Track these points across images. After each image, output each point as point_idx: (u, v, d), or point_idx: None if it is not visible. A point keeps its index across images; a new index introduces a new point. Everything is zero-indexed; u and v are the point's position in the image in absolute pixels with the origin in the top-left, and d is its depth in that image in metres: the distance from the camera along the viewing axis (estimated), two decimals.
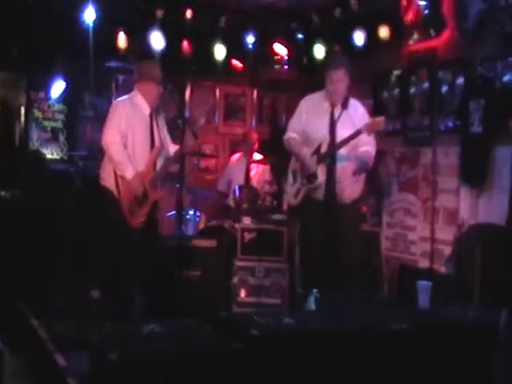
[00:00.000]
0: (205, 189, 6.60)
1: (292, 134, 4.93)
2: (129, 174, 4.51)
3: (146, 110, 4.71)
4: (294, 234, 5.85)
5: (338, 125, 4.58)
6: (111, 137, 4.53)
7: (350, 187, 4.74)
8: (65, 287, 5.40)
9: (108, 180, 4.59)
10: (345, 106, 4.63)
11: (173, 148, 4.82)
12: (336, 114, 4.64)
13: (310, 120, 4.85)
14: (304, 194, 4.84)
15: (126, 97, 4.78)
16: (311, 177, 4.72)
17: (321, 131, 4.68)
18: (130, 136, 4.59)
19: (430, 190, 5.74)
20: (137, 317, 4.67)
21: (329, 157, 4.60)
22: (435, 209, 5.65)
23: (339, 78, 4.71)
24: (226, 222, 6.00)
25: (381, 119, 4.47)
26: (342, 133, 4.57)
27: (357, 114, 4.70)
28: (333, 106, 4.73)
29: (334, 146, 4.55)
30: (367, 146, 4.64)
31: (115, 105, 4.73)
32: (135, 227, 4.60)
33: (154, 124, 4.71)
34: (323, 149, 4.64)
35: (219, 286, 5.44)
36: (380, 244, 6.09)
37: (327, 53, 7.01)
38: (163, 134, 4.81)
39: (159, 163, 4.72)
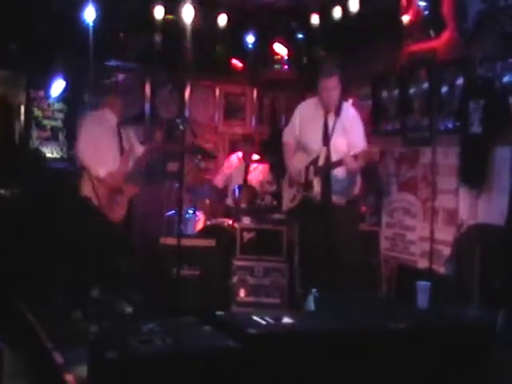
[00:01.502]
0: (204, 188, 6.59)
1: (286, 140, 5.06)
2: (101, 172, 5.06)
3: (113, 121, 5.28)
4: (294, 233, 5.86)
5: (332, 134, 4.70)
6: (81, 146, 5.16)
7: (345, 189, 4.88)
8: (64, 286, 5.40)
9: (86, 188, 5.10)
10: (338, 113, 4.74)
11: (140, 149, 5.40)
12: (330, 123, 4.74)
13: (304, 128, 4.93)
14: (300, 197, 4.94)
15: (93, 112, 5.48)
16: (307, 186, 4.82)
17: (316, 141, 4.79)
18: (99, 143, 5.14)
19: (429, 190, 5.74)
20: (136, 316, 4.68)
21: (324, 171, 4.73)
22: (434, 209, 5.66)
23: (332, 86, 4.77)
24: (226, 222, 6.01)
25: (369, 151, 4.58)
26: (337, 142, 4.71)
27: (348, 119, 4.80)
28: (326, 113, 4.81)
29: (329, 162, 4.69)
30: (357, 149, 4.66)
31: (84, 119, 5.44)
32: (116, 221, 5.09)
33: (122, 135, 5.29)
34: (321, 161, 4.73)
35: (218, 285, 5.45)
36: (379, 244, 6.10)
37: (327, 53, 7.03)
38: (131, 138, 5.39)
39: (130, 163, 5.29)
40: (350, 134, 4.75)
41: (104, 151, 5.13)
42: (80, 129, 5.31)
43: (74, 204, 5.22)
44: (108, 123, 5.25)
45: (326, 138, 4.73)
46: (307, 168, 4.83)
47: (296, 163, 4.96)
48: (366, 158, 4.54)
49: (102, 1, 6.24)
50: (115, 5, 6.60)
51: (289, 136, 5.07)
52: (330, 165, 4.70)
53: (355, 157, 4.54)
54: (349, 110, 4.91)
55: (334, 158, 4.70)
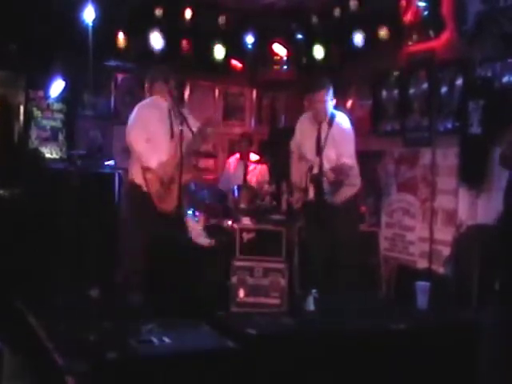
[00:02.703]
0: (204, 188, 6.58)
1: (291, 150, 5.50)
2: (153, 163, 4.89)
3: (163, 106, 5.08)
4: (293, 234, 5.86)
5: (325, 144, 5.07)
6: (134, 135, 4.95)
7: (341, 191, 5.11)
8: (64, 286, 5.40)
9: (137, 176, 4.95)
10: (330, 124, 5.11)
11: (195, 127, 5.13)
12: (323, 134, 5.11)
13: (302, 140, 5.37)
14: (302, 201, 5.30)
15: (145, 100, 5.19)
16: (305, 191, 5.20)
17: (311, 152, 5.18)
18: (150, 132, 4.96)
19: (428, 190, 5.75)
20: (136, 316, 4.67)
21: (317, 179, 5.08)
22: (434, 209, 5.66)
23: (320, 99, 5.15)
24: (225, 222, 6.00)
25: (341, 165, 4.91)
26: (328, 152, 5.08)
27: (338, 131, 5.11)
28: (319, 125, 5.17)
29: (321, 171, 5.05)
30: (347, 158, 5.00)
31: (135, 109, 5.11)
32: (168, 212, 4.91)
33: (175, 118, 5.07)
34: (315, 170, 5.09)
35: (218, 285, 5.43)
36: (378, 244, 6.10)
37: (326, 53, 7.03)
38: (191, 124, 5.09)
39: (184, 148, 5.02)
40: (338, 145, 5.08)
41: (156, 139, 4.98)
42: (133, 115, 5.08)
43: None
44: (159, 109, 5.09)
45: (319, 149, 5.11)
46: (305, 175, 5.17)
47: (297, 171, 5.37)
48: (336, 172, 4.95)
49: (101, 1, 6.25)
50: (115, 5, 6.61)
51: (293, 146, 5.50)
52: (320, 174, 5.07)
53: (332, 170, 4.98)
54: (341, 122, 5.19)
55: (327, 166, 5.04)
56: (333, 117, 5.15)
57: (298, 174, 5.36)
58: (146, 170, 4.90)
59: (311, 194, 5.13)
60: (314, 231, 5.27)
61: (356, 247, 5.29)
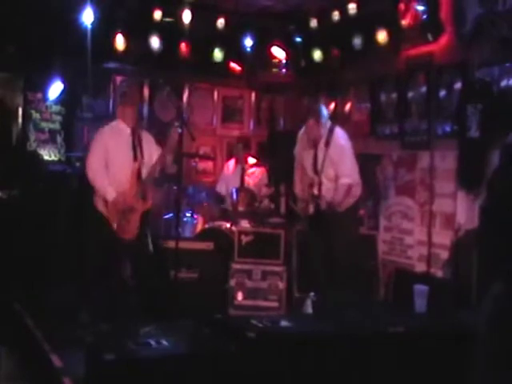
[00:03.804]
0: (202, 191, 6.58)
1: (296, 161, 5.53)
2: (109, 195, 4.90)
3: (126, 131, 5.09)
4: (292, 237, 5.86)
5: (323, 164, 5.13)
6: (91, 164, 4.98)
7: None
8: (61, 287, 5.39)
9: (99, 203, 4.98)
10: (327, 144, 5.15)
11: (156, 154, 5.16)
12: (320, 154, 5.17)
13: (301, 153, 5.44)
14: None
15: (108, 125, 5.20)
16: (306, 204, 5.30)
17: (310, 169, 5.26)
18: (110, 159, 4.97)
19: (427, 193, 5.75)
20: (134, 318, 4.67)
21: (316, 199, 5.16)
22: (432, 213, 5.66)
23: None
24: (224, 225, 6.00)
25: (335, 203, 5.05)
26: (327, 171, 5.13)
27: (335, 151, 5.14)
28: (315, 143, 5.23)
29: (319, 192, 5.13)
30: (346, 177, 5.07)
31: (97, 134, 5.16)
32: (128, 240, 4.95)
33: (137, 141, 5.10)
34: (314, 189, 5.16)
35: (216, 288, 5.43)
36: (377, 247, 6.10)
37: (325, 56, 7.04)
38: (148, 147, 5.18)
39: (144, 174, 5.08)
40: (337, 165, 5.11)
41: (116, 167, 4.96)
42: (93, 143, 5.11)
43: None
44: (121, 134, 5.07)
45: (315, 168, 5.20)
46: (307, 188, 5.28)
47: (300, 182, 5.45)
48: (331, 207, 5.05)
49: (100, 3, 6.25)
50: (113, 7, 6.61)
51: (295, 154, 5.53)
52: (319, 194, 5.13)
53: (328, 204, 5.07)
54: (337, 140, 5.21)
55: (327, 185, 5.12)
56: (330, 134, 5.18)
57: (300, 185, 5.44)
58: (105, 200, 4.91)
59: (311, 209, 5.19)
60: (315, 235, 5.25)
61: (355, 253, 5.30)
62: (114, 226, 4.90)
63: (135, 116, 5.16)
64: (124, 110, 5.15)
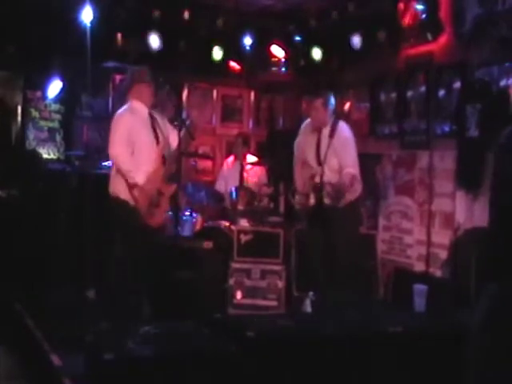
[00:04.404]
0: (202, 190, 6.58)
1: (295, 155, 5.49)
2: (140, 179, 4.64)
3: (144, 112, 4.85)
4: (291, 236, 5.86)
5: (327, 154, 5.11)
6: (117, 149, 4.68)
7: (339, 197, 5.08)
8: (61, 287, 5.39)
9: (121, 192, 4.68)
10: (332, 134, 5.12)
11: (174, 135, 4.97)
12: (324, 144, 5.14)
13: (303, 145, 5.40)
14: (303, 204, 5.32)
15: (124, 107, 4.90)
16: (307, 197, 5.24)
17: (313, 160, 5.23)
18: (135, 142, 4.71)
19: (426, 193, 5.75)
20: (134, 318, 4.67)
21: (318, 189, 5.12)
22: (431, 212, 5.67)
23: (316, 107, 5.22)
24: (223, 224, 6.00)
25: (342, 183, 4.93)
26: (331, 162, 5.10)
27: (339, 141, 5.12)
28: (319, 133, 5.21)
29: (321, 182, 5.09)
30: (350, 167, 5.04)
31: (116, 118, 4.84)
32: (156, 227, 4.76)
33: (155, 123, 4.88)
34: (316, 179, 5.13)
35: (215, 287, 5.43)
36: (376, 247, 6.10)
37: (324, 56, 7.04)
38: (165, 129, 4.97)
39: (167, 157, 4.88)
40: (340, 155, 5.09)
41: (141, 150, 4.71)
42: (114, 127, 4.75)
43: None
44: (140, 116, 4.81)
45: (319, 159, 5.18)
46: (308, 181, 5.24)
47: (300, 176, 5.40)
48: (335, 189, 4.95)
49: (99, 2, 6.24)
50: (113, 6, 6.61)
51: (295, 150, 5.51)
52: (321, 184, 5.09)
53: (332, 187, 4.98)
54: (342, 132, 5.20)
55: (330, 176, 5.07)
56: (334, 126, 5.17)
57: (300, 179, 5.38)
58: (132, 186, 4.63)
59: (312, 200, 5.14)
60: (315, 233, 5.26)
61: (355, 250, 5.29)
62: (144, 212, 4.64)
63: (152, 95, 4.92)
64: (140, 89, 4.86)
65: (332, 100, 5.29)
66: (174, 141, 4.95)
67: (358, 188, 5.20)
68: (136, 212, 4.65)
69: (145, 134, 4.78)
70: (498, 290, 2.17)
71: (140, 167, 4.66)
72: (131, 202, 4.65)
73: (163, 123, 4.98)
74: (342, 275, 5.00)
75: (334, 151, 5.10)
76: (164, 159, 4.81)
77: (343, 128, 5.25)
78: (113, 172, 4.78)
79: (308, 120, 5.42)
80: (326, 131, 5.17)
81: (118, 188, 4.70)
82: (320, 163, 5.15)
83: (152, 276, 4.83)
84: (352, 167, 5.06)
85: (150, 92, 4.91)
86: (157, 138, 4.82)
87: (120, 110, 4.88)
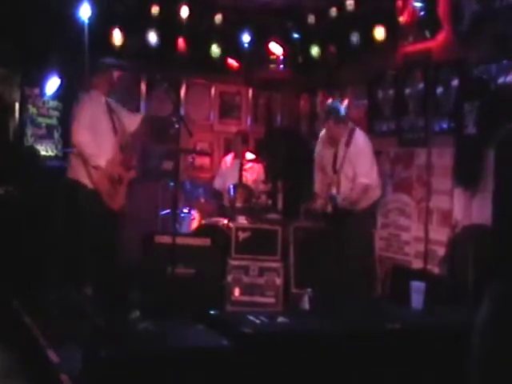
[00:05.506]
0: (199, 187, 6.58)
1: (315, 159, 5.74)
2: (102, 162, 4.96)
3: (101, 100, 5.20)
4: (289, 233, 5.86)
5: (343, 163, 5.32)
6: (79, 136, 5.04)
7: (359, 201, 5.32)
8: (59, 284, 5.39)
9: (80, 173, 5.00)
10: (348, 144, 5.36)
11: (135, 121, 5.35)
12: (341, 153, 5.35)
13: (321, 153, 5.63)
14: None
15: (83, 97, 5.32)
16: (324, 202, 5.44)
17: (329, 168, 5.45)
18: (95, 129, 5.05)
19: (424, 190, 5.75)
20: (130, 315, 4.66)
21: (334, 198, 5.33)
22: (429, 209, 5.66)
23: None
24: (221, 221, 6.00)
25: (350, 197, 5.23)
26: (347, 171, 5.31)
27: (354, 151, 5.31)
28: (336, 145, 5.40)
29: (337, 191, 5.32)
30: (363, 177, 5.26)
31: (76, 107, 5.26)
32: (117, 210, 5.07)
33: (112, 111, 5.22)
34: (333, 190, 5.35)
35: (213, 284, 5.43)
36: (374, 244, 6.10)
37: (322, 53, 7.04)
38: (121, 116, 5.31)
39: (124, 145, 5.25)
40: (354, 165, 5.31)
41: (101, 136, 5.04)
42: (77, 112, 5.19)
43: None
44: (98, 104, 5.18)
45: (335, 167, 5.39)
46: (325, 187, 5.50)
47: (319, 180, 5.69)
48: (347, 201, 5.24)
49: None
50: (111, 3, 6.60)
51: (316, 155, 5.74)
52: (337, 193, 5.32)
53: (344, 200, 5.26)
54: (357, 141, 5.37)
55: (345, 184, 5.31)
56: (351, 135, 5.35)
57: (319, 183, 5.66)
58: (94, 169, 4.92)
59: (329, 207, 5.36)
60: (330, 235, 5.46)
61: (367, 256, 5.40)
62: (104, 195, 4.95)
63: (109, 84, 5.30)
64: (97, 79, 5.28)
65: (342, 110, 5.50)
66: (130, 125, 5.27)
67: (372, 195, 5.41)
68: (96, 195, 4.95)
69: (104, 121, 5.11)
70: (502, 289, 2.16)
71: (101, 151, 4.98)
72: (90, 186, 4.95)
73: (119, 110, 5.30)
74: (349, 279, 5.07)
75: (349, 160, 5.29)
76: (121, 146, 5.12)
77: (360, 137, 5.41)
78: (72, 158, 5.13)
79: (323, 132, 5.63)
80: (342, 140, 5.36)
81: (78, 172, 5.01)
82: (336, 171, 5.34)
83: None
84: (365, 176, 5.25)
85: (106, 81, 5.28)
86: (114, 125, 5.14)
87: (81, 99, 5.26)
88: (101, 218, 4.99)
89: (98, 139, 5.00)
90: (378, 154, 6.37)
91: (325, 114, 5.59)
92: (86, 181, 4.97)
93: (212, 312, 4.12)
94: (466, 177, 5.22)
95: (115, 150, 5.06)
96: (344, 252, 5.22)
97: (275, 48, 7.41)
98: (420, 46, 5.84)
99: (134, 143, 5.28)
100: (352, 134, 5.36)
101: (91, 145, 4.96)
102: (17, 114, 6.79)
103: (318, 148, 5.67)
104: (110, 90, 5.31)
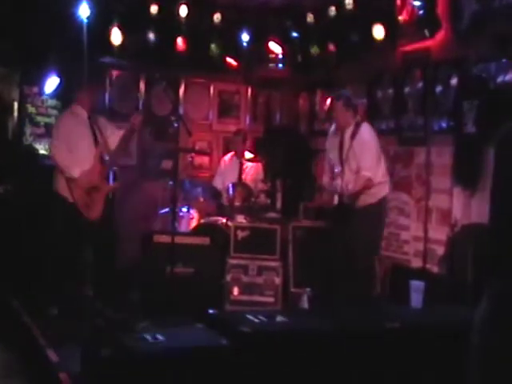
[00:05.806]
0: (198, 186, 6.58)
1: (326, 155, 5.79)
2: (75, 173, 5.12)
3: (83, 115, 5.35)
4: (288, 232, 5.86)
5: (348, 156, 5.29)
6: (56, 149, 5.25)
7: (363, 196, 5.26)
8: (58, 284, 5.38)
9: (62, 188, 5.17)
10: (353, 136, 5.30)
11: (117, 135, 5.44)
12: (346, 145, 5.33)
13: (329, 147, 5.63)
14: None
15: (66, 111, 5.53)
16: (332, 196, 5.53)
17: (336, 161, 5.45)
18: (74, 142, 5.22)
19: (423, 189, 5.76)
20: (130, 315, 4.67)
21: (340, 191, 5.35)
22: (428, 208, 5.67)
23: (337, 109, 5.41)
24: (220, 220, 6.00)
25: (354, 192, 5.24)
26: (351, 163, 5.28)
27: (358, 144, 5.27)
28: (342, 134, 5.38)
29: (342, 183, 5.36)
30: (366, 170, 5.20)
31: (57, 121, 5.54)
32: (93, 219, 5.17)
33: (94, 125, 5.36)
34: (338, 179, 5.38)
35: (212, 283, 5.43)
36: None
37: (322, 52, 7.03)
38: (105, 131, 5.45)
39: (106, 158, 5.40)
40: (358, 158, 5.25)
41: (78, 149, 5.20)
42: (55, 128, 5.43)
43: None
44: (80, 118, 5.32)
45: (341, 159, 5.37)
46: (331, 180, 5.53)
47: (327, 173, 5.68)
48: (351, 197, 5.25)
49: None
50: (110, 2, 6.59)
51: (327, 151, 5.74)
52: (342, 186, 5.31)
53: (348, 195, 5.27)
54: (362, 134, 5.31)
55: (349, 177, 5.29)
56: (357, 128, 5.31)
57: (326, 177, 5.68)
58: (69, 180, 5.10)
59: (336, 200, 5.41)
60: (337, 231, 5.42)
61: (371, 254, 5.37)
62: (80, 205, 5.10)
63: (91, 100, 5.42)
64: (81, 95, 5.40)
65: (353, 100, 5.46)
66: (113, 142, 5.43)
67: (377, 192, 5.26)
68: (74, 207, 5.11)
69: (83, 134, 5.27)
70: (500, 287, 2.16)
71: (76, 163, 5.13)
72: (70, 199, 5.12)
73: (104, 126, 5.45)
74: (340, 272, 5.04)
75: (353, 153, 5.25)
76: (101, 158, 5.29)
77: (365, 130, 5.35)
78: (55, 171, 5.27)
79: (332, 126, 5.63)
80: (348, 132, 5.32)
81: (59, 185, 5.20)
82: (341, 164, 5.33)
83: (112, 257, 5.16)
84: (368, 170, 5.19)
85: (89, 98, 5.42)
86: (96, 138, 5.30)
87: (64, 113, 5.52)
88: (75, 232, 5.17)
89: (75, 152, 5.18)
90: None
91: (334, 98, 5.55)
92: (66, 194, 5.15)
93: (211, 311, 4.12)
94: (466, 176, 5.22)
95: (95, 161, 5.23)
96: (347, 250, 5.17)
97: (274, 47, 7.41)
98: (419, 45, 5.83)
99: (116, 157, 5.52)
100: (358, 127, 5.31)
101: (66, 157, 5.15)
102: (16, 113, 6.79)
103: (328, 141, 5.65)
104: (91, 107, 5.45)
